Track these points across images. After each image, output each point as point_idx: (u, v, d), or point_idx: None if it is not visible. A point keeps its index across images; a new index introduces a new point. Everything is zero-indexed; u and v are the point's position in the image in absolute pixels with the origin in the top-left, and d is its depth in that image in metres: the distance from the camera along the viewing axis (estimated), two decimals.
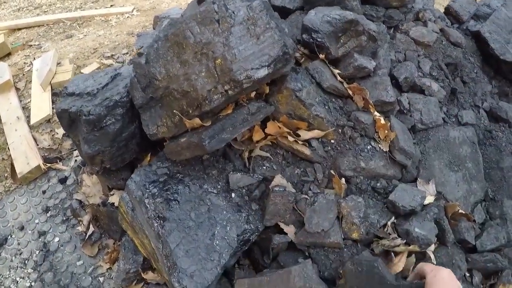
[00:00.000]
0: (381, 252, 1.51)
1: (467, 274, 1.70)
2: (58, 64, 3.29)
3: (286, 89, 1.50)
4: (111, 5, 4.61)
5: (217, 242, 1.41)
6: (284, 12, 2.02)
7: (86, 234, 1.98)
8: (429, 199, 1.67)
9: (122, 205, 1.60)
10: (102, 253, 1.95)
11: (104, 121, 1.60)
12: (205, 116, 1.42)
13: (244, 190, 1.54)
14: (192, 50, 1.35)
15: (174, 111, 1.41)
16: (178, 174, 1.55)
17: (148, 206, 1.47)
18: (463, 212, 1.70)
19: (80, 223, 2.06)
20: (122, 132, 1.64)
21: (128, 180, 1.57)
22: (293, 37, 1.75)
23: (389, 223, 1.54)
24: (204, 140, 1.37)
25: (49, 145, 2.58)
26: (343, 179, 1.54)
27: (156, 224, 1.43)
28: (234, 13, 1.33)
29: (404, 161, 1.62)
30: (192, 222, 1.44)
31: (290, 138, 1.51)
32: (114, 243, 1.94)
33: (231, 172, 1.55)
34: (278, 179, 1.49)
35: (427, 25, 2.15)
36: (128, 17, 4.26)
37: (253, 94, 1.49)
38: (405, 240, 1.50)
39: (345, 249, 1.49)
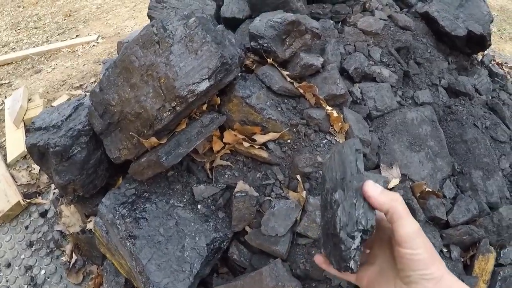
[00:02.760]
0: None
1: (445, 250, 1.71)
2: (29, 100, 3.32)
3: (235, 97, 1.54)
4: (77, 36, 4.66)
5: (187, 253, 1.46)
6: (234, 22, 2.08)
7: (70, 263, 2.02)
8: (394, 182, 1.71)
9: (96, 230, 1.64)
10: (87, 280, 1.98)
11: (70, 150, 1.63)
12: (161, 134, 1.47)
13: (209, 200, 1.59)
14: (138, 73, 1.40)
15: (131, 133, 1.46)
16: (145, 193, 1.60)
17: (119, 227, 1.51)
18: (430, 190, 1.74)
19: (64, 253, 2.10)
20: (90, 159, 1.68)
21: (99, 205, 1.61)
22: (242, 46, 1.79)
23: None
24: (161, 157, 1.41)
25: (27, 181, 2.61)
26: (300, 184, 1.57)
27: (128, 243, 1.47)
28: (172, 32, 1.38)
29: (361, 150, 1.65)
30: (161, 237, 1.48)
31: (246, 144, 1.55)
32: (97, 268, 1.97)
33: (195, 185, 1.60)
34: (240, 185, 1.53)
35: (374, 14, 2.20)
36: (93, 45, 4.31)
37: (205, 107, 1.54)
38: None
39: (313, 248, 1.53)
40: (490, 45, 2.51)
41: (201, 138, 1.48)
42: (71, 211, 2.05)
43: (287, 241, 1.47)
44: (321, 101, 1.64)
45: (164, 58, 1.36)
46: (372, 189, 0.71)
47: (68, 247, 2.07)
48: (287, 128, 1.59)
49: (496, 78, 2.78)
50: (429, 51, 2.34)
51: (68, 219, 2.05)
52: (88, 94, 1.90)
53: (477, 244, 1.77)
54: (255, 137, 1.58)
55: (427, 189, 1.73)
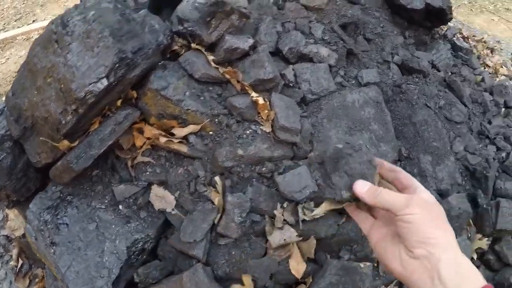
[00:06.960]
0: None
1: None
2: None
3: (149, 90, 1.45)
4: (33, 21, 4.50)
5: (107, 258, 1.41)
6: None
7: (17, 267, 1.99)
8: None
9: (27, 236, 1.60)
10: (33, 283, 1.95)
11: None
12: (74, 136, 1.41)
13: (131, 200, 1.53)
14: (41, 75, 1.35)
15: (41, 138, 1.40)
16: (69, 196, 1.55)
17: (43, 233, 1.48)
18: None
19: (11, 257, 2.07)
20: (17, 164, 1.63)
21: (27, 211, 1.57)
22: (169, 31, 1.69)
23: (276, 212, 1.51)
24: (71, 162, 1.36)
25: None
26: (218, 186, 1.51)
27: (51, 251, 1.44)
28: (71, 29, 1.30)
29: (290, 138, 1.56)
30: (81, 243, 1.44)
31: (162, 139, 1.48)
32: (42, 271, 1.94)
33: (115, 185, 1.54)
34: (155, 190, 1.50)
35: None
36: None
37: (119, 102, 1.46)
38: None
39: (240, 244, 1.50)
40: (451, 18, 2.42)
41: (113, 137, 1.42)
42: (15, 214, 2.01)
43: (204, 244, 1.44)
44: (246, 88, 1.56)
45: (63, 58, 1.30)
46: (358, 188, 0.76)
47: (14, 252, 2.03)
48: (208, 119, 1.51)
49: (459, 53, 2.68)
50: (381, 25, 2.24)
51: (13, 222, 2.01)
52: None
53: None
54: (174, 130, 1.50)
55: None
